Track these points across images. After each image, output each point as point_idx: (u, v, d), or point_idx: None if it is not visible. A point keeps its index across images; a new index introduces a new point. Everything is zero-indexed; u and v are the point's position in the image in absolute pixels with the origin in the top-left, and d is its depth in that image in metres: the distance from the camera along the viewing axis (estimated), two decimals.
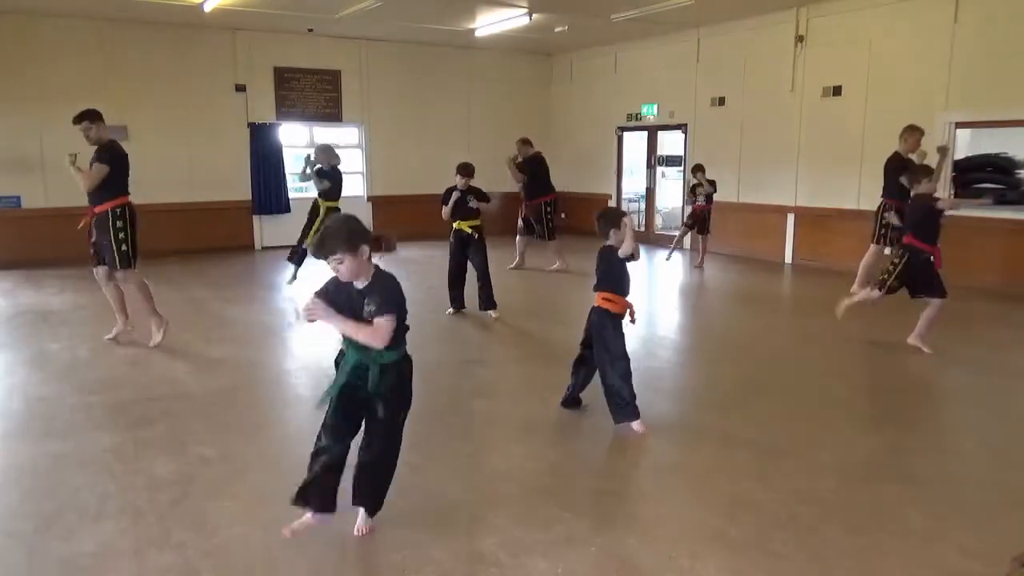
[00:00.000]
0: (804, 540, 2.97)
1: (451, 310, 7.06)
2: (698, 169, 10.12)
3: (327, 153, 8.58)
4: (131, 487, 3.44)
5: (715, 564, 2.80)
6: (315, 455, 2.93)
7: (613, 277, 4.20)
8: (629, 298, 4.24)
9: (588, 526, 3.08)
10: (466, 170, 6.84)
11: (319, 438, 2.93)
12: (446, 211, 6.81)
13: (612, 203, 13.42)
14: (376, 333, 2.74)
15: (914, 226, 5.78)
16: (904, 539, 3.00)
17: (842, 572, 2.77)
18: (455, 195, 6.79)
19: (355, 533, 2.98)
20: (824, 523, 3.11)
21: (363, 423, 2.95)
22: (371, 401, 2.88)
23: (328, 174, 8.53)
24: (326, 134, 12.57)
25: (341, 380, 2.87)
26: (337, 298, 2.81)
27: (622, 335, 4.23)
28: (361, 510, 3.00)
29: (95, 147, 5.63)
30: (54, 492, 3.41)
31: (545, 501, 3.30)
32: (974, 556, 2.86)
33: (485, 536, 3.00)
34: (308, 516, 2.93)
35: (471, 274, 7.04)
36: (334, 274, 2.79)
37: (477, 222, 6.89)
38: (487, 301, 6.94)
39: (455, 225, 6.89)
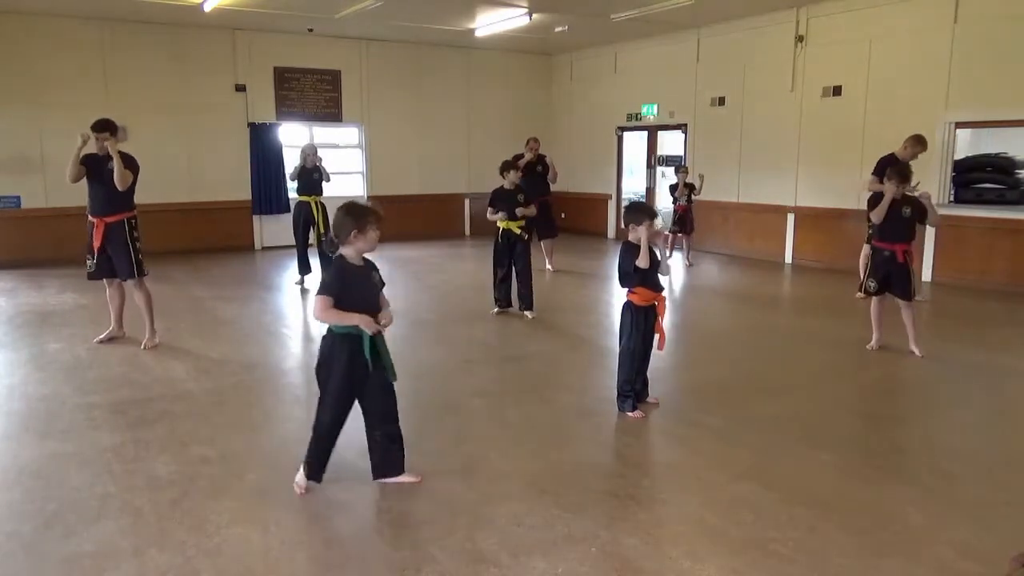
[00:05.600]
0: (804, 540, 2.97)
1: (496, 310, 7.08)
2: (679, 170, 10.16)
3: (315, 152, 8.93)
4: (131, 487, 3.45)
5: (715, 564, 2.80)
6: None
7: (633, 275, 4.20)
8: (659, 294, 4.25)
9: (588, 526, 3.08)
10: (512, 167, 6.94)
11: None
12: (499, 216, 6.80)
13: (612, 204, 13.45)
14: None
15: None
16: (904, 539, 3.00)
17: (842, 572, 2.77)
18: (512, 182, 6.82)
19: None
20: (824, 523, 3.11)
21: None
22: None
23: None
24: (326, 134, 12.60)
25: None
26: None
27: (639, 328, 4.27)
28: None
29: (106, 155, 5.61)
30: (54, 492, 3.41)
31: (545, 501, 3.30)
32: (974, 556, 2.86)
33: (485, 536, 3.00)
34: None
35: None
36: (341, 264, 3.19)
37: (522, 223, 6.93)
38: (530, 301, 7.00)
39: (503, 226, 6.87)
